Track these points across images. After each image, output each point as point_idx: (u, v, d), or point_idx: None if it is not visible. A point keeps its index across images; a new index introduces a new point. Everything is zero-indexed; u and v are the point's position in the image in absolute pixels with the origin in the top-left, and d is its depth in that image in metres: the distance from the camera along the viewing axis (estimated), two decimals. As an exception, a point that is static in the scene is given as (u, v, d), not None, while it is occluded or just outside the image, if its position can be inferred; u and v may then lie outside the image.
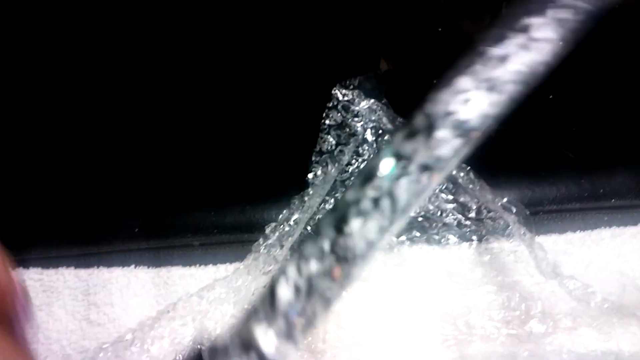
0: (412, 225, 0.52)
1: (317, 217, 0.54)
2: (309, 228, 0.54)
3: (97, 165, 0.58)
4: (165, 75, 0.60)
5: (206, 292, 0.49)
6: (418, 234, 0.52)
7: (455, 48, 0.65)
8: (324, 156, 0.53)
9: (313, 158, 0.53)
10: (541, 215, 0.51)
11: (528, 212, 0.47)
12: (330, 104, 0.54)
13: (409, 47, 0.64)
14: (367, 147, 0.54)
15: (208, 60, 0.61)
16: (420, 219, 0.52)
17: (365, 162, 0.55)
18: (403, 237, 0.52)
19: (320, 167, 0.53)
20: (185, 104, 0.60)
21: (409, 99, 0.58)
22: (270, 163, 0.56)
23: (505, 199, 0.48)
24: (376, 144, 0.55)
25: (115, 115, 0.59)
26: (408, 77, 0.63)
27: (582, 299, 0.42)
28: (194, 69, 0.61)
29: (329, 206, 0.54)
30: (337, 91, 0.54)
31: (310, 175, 0.53)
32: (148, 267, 0.53)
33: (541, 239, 0.49)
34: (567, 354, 0.43)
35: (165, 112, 0.59)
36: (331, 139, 0.53)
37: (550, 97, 0.58)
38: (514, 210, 0.47)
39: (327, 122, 0.54)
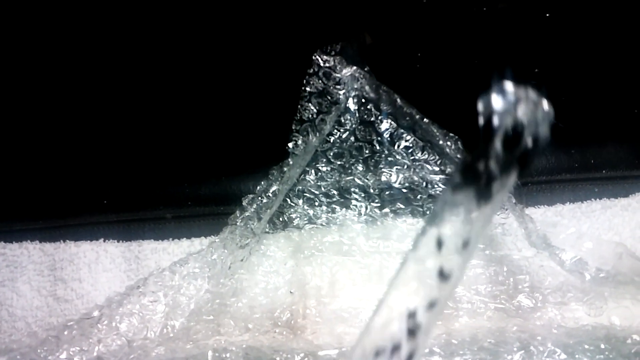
0: (396, 197, 0.50)
1: (297, 189, 0.52)
2: (288, 200, 0.51)
3: (64, 132, 0.54)
4: (139, 43, 0.57)
5: (179, 266, 0.46)
6: (402, 206, 0.50)
7: (440, 19, 0.63)
8: (304, 125, 0.50)
9: (293, 126, 0.50)
10: (530, 186, 0.49)
11: (519, 182, 0.45)
12: (311, 70, 0.51)
13: (394, 19, 0.62)
14: (349, 117, 0.52)
15: (185, 27, 0.57)
16: (404, 190, 0.50)
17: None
18: (387, 210, 0.50)
19: (301, 136, 0.50)
20: (159, 71, 0.56)
21: (393, 69, 0.56)
22: (248, 131, 0.53)
23: (494, 168, 0.46)
24: (359, 113, 0.52)
25: (84, 82, 0.56)
26: (393, 49, 0.60)
27: (575, 269, 0.41)
28: (170, 39, 0.57)
29: (309, 177, 0.52)
30: (317, 57, 0.51)
31: (290, 145, 0.50)
32: (118, 241, 0.51)
33: (530, 211, 0.47)
34: (557, 328, 0.41)
35: (137, 79, 0.56)
36: (312, 107, 0.51)
37: (536, 70, 0.56)
38: (504, 179, 0.45)
39: (308, 89, 0.51)
